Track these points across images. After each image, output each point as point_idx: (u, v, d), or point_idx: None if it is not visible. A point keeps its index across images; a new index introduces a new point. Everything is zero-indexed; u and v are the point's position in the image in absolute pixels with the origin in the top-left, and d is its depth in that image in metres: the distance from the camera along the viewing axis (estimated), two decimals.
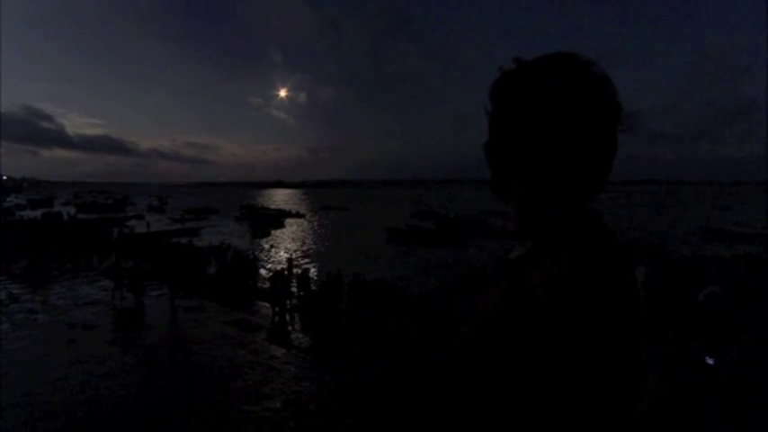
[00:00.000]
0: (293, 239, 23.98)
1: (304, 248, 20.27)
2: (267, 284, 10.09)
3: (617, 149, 0.58)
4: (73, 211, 31.71)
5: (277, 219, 32.91)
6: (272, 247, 20.54)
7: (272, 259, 16.68)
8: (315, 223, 34.14)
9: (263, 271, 11.94)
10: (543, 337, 0.49)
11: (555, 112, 0.56)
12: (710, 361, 3.73)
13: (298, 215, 39.15)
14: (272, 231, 27.09)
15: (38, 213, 24.24)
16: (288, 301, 9.22)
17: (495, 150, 0.62)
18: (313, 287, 9.57)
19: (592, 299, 0.49)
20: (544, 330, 0.50)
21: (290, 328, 8.37)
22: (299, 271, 10.02)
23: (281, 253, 17.85)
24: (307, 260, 16.24)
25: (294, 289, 9.65)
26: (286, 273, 10.01)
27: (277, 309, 8.98)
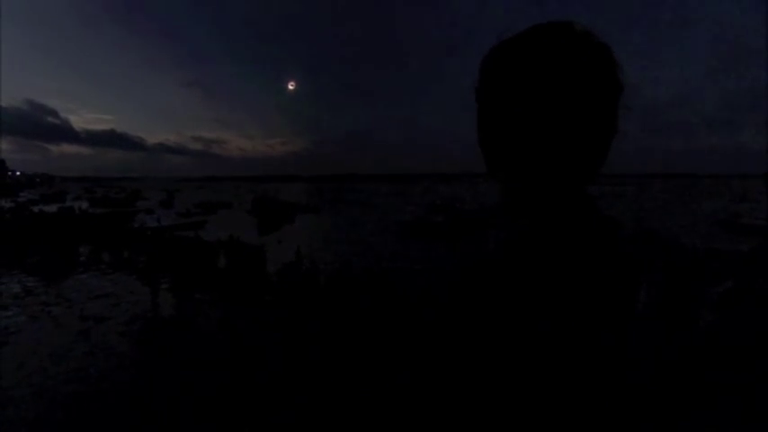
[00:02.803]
0: (303, 233, 24.01)
1: (314, 242, 20.28)
2: (275, 278, 10.10)
3: (617, 130, 0.54)
4: (85, 205, 32.13)
5: (288, 212, 32.88)
6: (281, 241, 20.59)
7: (281, 253, 16.71)
8: (325, 217, 34.13)
9: (271, 265, 11.94)
10: (488, 310, 0.54)
11: (548, 85, 0.50)
12: None
13: (309, 209, 39.17)
14: (283, 225, 27.12)
15: (50, 208, 24.60)
16: (297, 296, 9.22)
17: (485, 127, 0.59)
18: (322, 281, 9.55)
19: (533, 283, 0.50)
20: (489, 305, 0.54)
21: (298, 322, 8.37)
22: (309, 265, 10.00)
23: (291, 247, 17.88)
24: (317, 253, 16.24)
25: (303, 283, 9.64)
26: (295, 267, 10.00)
27: (286, 303, 8.99)
